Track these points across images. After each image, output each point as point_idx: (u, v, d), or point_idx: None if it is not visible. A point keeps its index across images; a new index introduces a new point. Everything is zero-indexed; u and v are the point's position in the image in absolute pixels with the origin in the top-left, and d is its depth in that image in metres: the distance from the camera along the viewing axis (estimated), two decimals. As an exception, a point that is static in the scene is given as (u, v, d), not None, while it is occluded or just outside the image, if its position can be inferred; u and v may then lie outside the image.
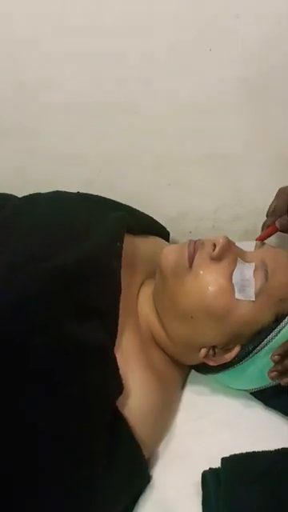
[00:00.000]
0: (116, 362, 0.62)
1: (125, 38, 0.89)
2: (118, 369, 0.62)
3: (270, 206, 0.80)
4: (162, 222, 0.95)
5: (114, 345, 0.65)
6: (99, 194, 0.91)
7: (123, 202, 0.91)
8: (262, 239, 0.78)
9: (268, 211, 0.80)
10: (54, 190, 0.90)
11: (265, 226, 0.80)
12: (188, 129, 0.96)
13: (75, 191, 0.91)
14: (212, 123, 0.94)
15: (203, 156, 0.98)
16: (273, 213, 0.79)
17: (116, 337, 0.65)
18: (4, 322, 0.59)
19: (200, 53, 0.87)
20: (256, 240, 0.78)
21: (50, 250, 0.68)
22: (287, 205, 0.78)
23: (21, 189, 0.94)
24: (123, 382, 0.62)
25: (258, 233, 1.00)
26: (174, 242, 0.97)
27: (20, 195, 0.91)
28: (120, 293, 0.68)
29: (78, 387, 0.58)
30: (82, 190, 0.92)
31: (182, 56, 0.88)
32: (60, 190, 0.90)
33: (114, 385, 0.61)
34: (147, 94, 0.93)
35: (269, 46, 0.85)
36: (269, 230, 0.78)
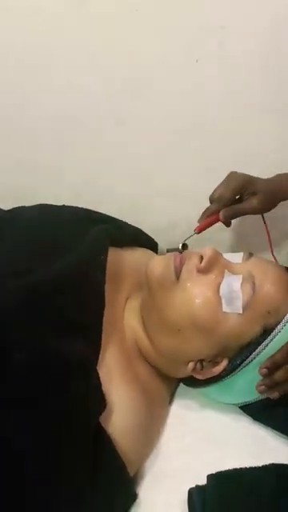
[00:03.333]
0: (98, 378, 0.61)
1: (113, 51, 0.89)
2: (100, 384, 0.61)
3: (216, 190, 0.76)
4: (151, 233, 0.94)
5: (97, 360, 0.63)
6: (88, 205, 0.91)
7: (112, 212, 0.91)
8: (201, 230, 0.76)
9: (212, 195, 0.77)
10: (43, 201, 0.90)
11: (207, 212, 0.76)
12: (176, 139, 0.95)
13: (64, 201, 0.90)
14: (200, 134, 0.94)
15: (192, 165, 0.98)
16: (217, 200, 0.75)
17: (99, 351, 0.64)
18: None
19: (187, 64, 0.87)
20: (195, 230, 0.76)
21: (32, 264, 0.68)
22: (234, 195, 0.75)
23: (8, 200, 0.93)
24: (106, 397, 0.61)
25: (247, 243, 1.00)
26: (163, 253, 0.97)
27: (7, 207, 0.91)
28: (104, 306, 0.67)
29: (60, 403, 0.57)
30: (71, 202, 0.91)
31: (169, 67, 0.88)
32: (49, 201, 0.90)
33: (97, 401, 0.60)
34: (136, 106, 0.93)
35: (254, 57, 0.85)
36: (211, 219, 0.75)
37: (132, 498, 0.63)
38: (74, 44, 0.90)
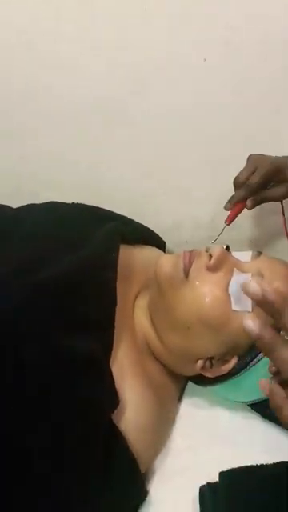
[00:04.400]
0: (111, 375, 0.61)
1: (120, 49, 0.89)
2: (113, 382, 0.61)
3: (242, 174, 0.73)
4: (157, 232, 0.94)
5: (109, 357, 0.64)
6: (94, 203, 0.91)
7: (119, 211, 0.91)
8: (231, 220, 0.74)
9: (238, 180, 0.73)
10: (48, 198, 0.90)
11: (234, 199, 0.73)
12: (183, 137, 0.95)
13: (69, 199, 0.90)
14: (207, 132, 0.94)
15: (199, 164, 0.98)
16: (246, 187, 0.72)
17: (111, 349, 0.64)
18: None
19: (194, 63, 0.87)
20: (226, 223, 0.75)
21: (43, 262, 0.68)
22: (264, 183, 0.71)
23: (14, 197, 0.93)
24: (119, 395, 0.61)
25: (254, 242, 1.01)
26: (170, 252, 0.97)
27: (13, 203, 0.91)
28: (115, 304, 0.67)
29: (72, 401, 0.58)
30: (76, 199, 0.91)
31: (177, 66, 0.88)
32: (54, 198, 0.90)
33: (110, 398, 0.60)
34: (142, 103, 0.93)
35: (262, 56, 0.85)
36: (238, 207, 0.73)
37: (143, 494, 0.64)
38: (80, 42, 0.90)
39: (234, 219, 0.75)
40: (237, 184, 0.75)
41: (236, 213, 0.75)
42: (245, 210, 0.77)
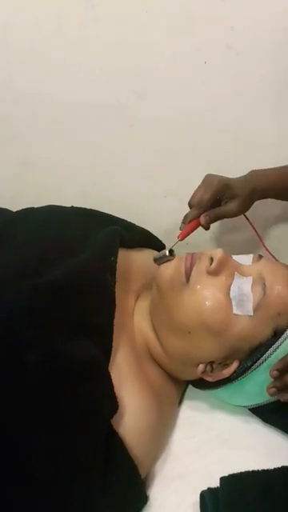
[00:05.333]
0: (111, 379, 0.61)
1: (121, 52, 0.89)
2: (112, 386, 0.61)
3: (194, 195, 0.77)
4: (157, 234, 0.94)
5: (108, 361, 0.64)
6: (94, 206, 0.91)
7: (119, 214, 0.91)
8: (184, 236, 0.75)
9: (191, 200, 0.77)
10: (50, 201, 0.90)
11: (187, 218, 0.76)
12: (184, 140, 0.96)
13: (70, 203, 0.90)
14: (208, 135, 0.94)
15: (199, 166, 0.97)
16: (197, 205, 0.75)
17: (111, 353, 0.64)
18: None
19: (195, 65, 0.87)
20: (178, 238, 0.75)
21: (43, 265, 0.68)
22: (213, 199, 0.75)
23: (15, 200, 0.93)
24: (118, 399, 0.61)
25: (256, 244, 1.00)
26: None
27: (14, 206, 0.91)
28: (115, 308, 0.67)
29: (72, 404, 0.57)
30: (77, 202, 0.91)
31: (178, 69, 0.88)
32: (55, 202, 0.90)
33: (109, 403, 0.60)
34: (144, 107, 0.93)
35: (262, 59, 0.85)
36: (192, 224, 0.75)
37: (144, 499, 0.63)
38: (83, 45, 0.90)
39: (186, 235, 0.76)
40: (190, 205, 0.77)
41: (190, 230, 0.76)
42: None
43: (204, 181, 0.78)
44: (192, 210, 0.77)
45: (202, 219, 0.74)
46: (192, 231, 0.76)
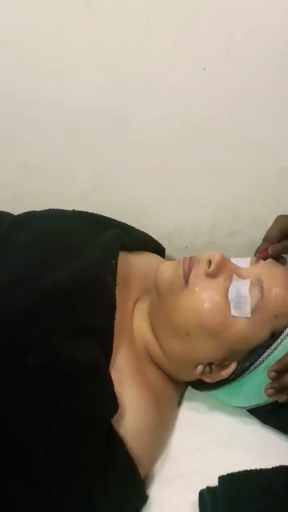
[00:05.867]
0: (111, 380, 0.62)
1: (122, 57, 0.90)
2: (113, 387, 0.62)
3: (267, 232, 0.80)
4: (157, 238, 0.95)
5: (108, 363, 0.64)
6: (95, 210, 0.92)
7: (119, 217, 0.92)
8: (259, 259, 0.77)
9: (264, 237, 0.80)
10: (50, 204, 0.91)
11: (258, 250, 0.79)
12: (184, 144, 0.96)
13: (71, 206, 0.91)
14: (208, 140, 0.95)
15: (199, 171, 0.99)
16: (266, 239, 0.79)
17: (111, 355, 0.65)
18: None
19: (194, 72, 0.88)
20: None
21: (44, 268, 0.69)
22: (281, 233, 0.78)
23: (16, 203, 0.94)
24: (118, 400, 0.61)
25: (254, 248, 1.01)
26: (170, 258, 0.98)
27: (15, 210, 0.92)
28: (115, 310, 0.68)
29: (72, 405, 0.58)
30: (78, 205, 0.92)
31: (177, 75, 0.89)
32: (56, 205, 0.90)
33: (109, 403, 0.61)
34: (143, 112, 0.94)
35: (261, 65, 0.86)
36: (261, 255, 0.78)
37: (143, 499, 0.64)
38: (82, 50, 0.90)
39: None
40: (263, 239, 0.79)
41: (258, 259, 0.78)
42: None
43: (276, 219, 0.80)
44: (262, 243, 0.78)
45: (270, 250, 0.76)
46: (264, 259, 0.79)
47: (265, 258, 0.78)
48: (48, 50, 0.92)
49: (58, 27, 0.89)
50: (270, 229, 0.79)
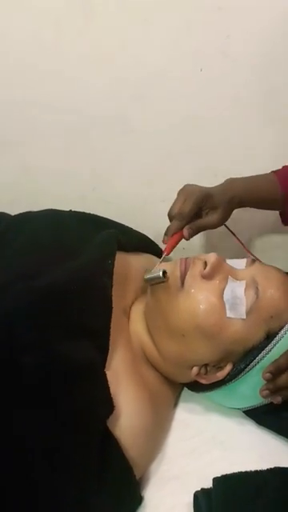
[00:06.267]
0: (106, 381, 0.62)
1: (120, 59, 0.90)
2: (108, 387, 0.62)
3: (174, 207, 0.75)
4: (155, 239, 0.95)
5: (104, 363, 0.64)
6: (93, 210, 0.92)
7: (116, 218, 0.92)
8: (170, 251, 0.75)
9: (171, 211, 0.75)
10: (49, 205, 0.91)
11: (169, 231, 0.74)
12: (181, 146, 0.97)
13: (69, 207, 0.91)
14: (205, 140, 0.95)
15: (197, 171, 0.98)
16: (178, 216, 0.74)
17: (107, 355, 0.65)
18: None
19: (192, 73, 0.89)
20: (164, 253, 0.75)
21: (41, 268, 0.69)
22: (194, 211, 0.74)
23: (15, 204, 0.94)
24: (114, 400, 0.62)
25: (251, 249, 1.01)
26: (167, 259, 0.98)
27: (14, 211, 0.92)
28: (111, 310, 0.68)
29: (68, 405, 0.58)
30: (77, 206, 0.92)
31: (175, 76, 0.90)
32: (55, 205, 0.91)
33: (105, 404, 0.61)
34: (141, 112, 0.95)
35: (257, 66, 0.87)
36: (176, 237, 0.74)
37: (138, 500, 0.64)
38: (83, 52, 0.91)
39: (172, 249, 0.75)
40: (170, 216, 0.76)
41: (174, 242, 0.75)
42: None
43: (183, 191, 0.76)
44: (173, 222, 0.75)
45: (185, 232, 0.74)
46: (177, 244, 0.75)
47: (178, 241, 0.73)
48: (47, 52, 0.92)
49: (57, 29, 0.90)
50: (180, 203, 0.73)
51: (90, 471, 0.58)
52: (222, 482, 0.61)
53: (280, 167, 0.85)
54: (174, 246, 0.75)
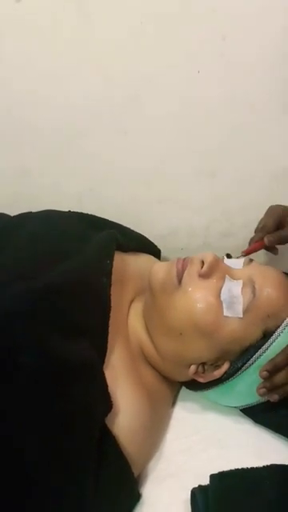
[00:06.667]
0: (105, 379, 0.62)
1: (116, 61, 0.91)
2: (106, 386, 0.62)
3: (260, 222, 0.82)
4: (152, 239, 0.96)
5: (102, 362, 0.65)
6: (90, 212, 0.93)
7: (114, 219, 0.93)
8: (248, 253, 0.80)
9: (257, 228, 0.83)
10: (47, 207, 0.91)
11: (252, 241, 0.82)
12: (178, 147, 0.97)
13: (67, 208, 0.92)
14: (202, 142, 0.96)
15: (193, 173, 0.99)
16: (261, 229, 0.81)
17: (105, 354, 0.66)
18: None
19: (189, 75, 0.89)
20: (242, 252, 0.80)
21: (39, 269, 0.69)
22: (276, 223, 0.81)
23: (13, 206, 0.95)
24: (112, 399, 0.62)
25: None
26: (166, 259, 0.98)
27: (12, 212, 0.92)
28: (110, 310, 0.68)
29: (65, 405, 0.58)
30: (74, 207, 0.93)
31: (171, 78, 0.90)
32: (52, 207, 0.91)
33: (103, 402, 0.61)
34: (138, 114, 0.95)
35: (255, 68, 0.87)
36: (256, 244, 0.81)
37: (136, 497, 0.64)
38: (77, 55, 0.91)
39: (250, 253, 0.81)
40: (256, 230, 0.83)
41: (254, 248, 0.81)
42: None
43: (269, 209, 0.83)
44: (256, 233, 0.82)
45: (266, 239, 0.79)
46: (256, 250, 0.81)
47: (259, 248, 0.80)
48: (42, 54, 0.93)
49: (52, 31, 0.90)
50: (265, 219, 0.82)
51: (88, 469, 0.59)
52: (218, 478, 0.62)
53: (279, 169, 0.87)
54: (252, 251, 0.81)
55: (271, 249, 0.83)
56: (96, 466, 0.59)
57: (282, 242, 0.81)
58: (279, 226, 0.81)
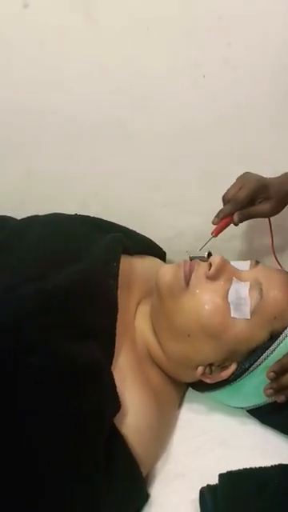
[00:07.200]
0: (113, 380, 0.63)
1: (122, 67, 0.92)
2: (115, 387, 0.63)
3: (230, 190, 0.77)
4: (158, 243, 0.96)
5: (110, 363, 0.65)
6: (96, 215, 0.93)
7: (120, 222, 0.93)
8: (218, 233, 0.77)
9: (226, 195, 0.78)
10: (52, 210, 0.92)
11: (222, 213, 0.77)
12: (183, 151, 0.98)
13: (73, 212, 0.93)
14: (207, 146, 0.97)
15: (198, 177, 1.00)
16: (232, 202, 0.76)
17: (113, 355, 0.66)
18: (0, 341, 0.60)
19: (194, 79, 0.90)
20: (212, 234, 0.77)
21: (47, 271, 0.70)
22: (248, 198, 0.76)
23: (19, 209, 0.96)
24: (120, 399, 0.63)
25: (253, 252, 1.03)
26: (171, 262, 0.99)
27: (18, 216, 0.93)
28: (117, 312, 0.69)
29: (74, 405, 0.59)
30: (79, 211, 0.94)
31: (177, 82, 0.91)
32: (58, 210, 0.92)
33: (111, 403, 0.62)
34: (144, 119, 0.96)
35: (259, 73, 0.88)
36: (225, 221, 0.76)
37: (145, 497, 0.65)
38: (85, 59, 0.92)
39: (220, 232, 0.78)
40: (225, 200, 0.79)
41: (223, 226, 0.78)
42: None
43: (241, 178, 0.78)
44: (226, 206, 0.77)
45: (236, 217, 0.75)
46: (225, 228, 0.78)
47: (226, 226, 0.76)
48: (49, 60, 0.94)
49: (60, 37, 0.91)
50: (236, 189, 0.75)
51: (97, 469, 0.59)
52: (227, 478, 0.62)
53: (281, 172, 0.87)
54: (222, 230, 0.77)
55: (236, 224, 0.78)
56: (105, 465, 0.59)
57: (251, 218, 0.78)
58: (251, 201, 0.77)
